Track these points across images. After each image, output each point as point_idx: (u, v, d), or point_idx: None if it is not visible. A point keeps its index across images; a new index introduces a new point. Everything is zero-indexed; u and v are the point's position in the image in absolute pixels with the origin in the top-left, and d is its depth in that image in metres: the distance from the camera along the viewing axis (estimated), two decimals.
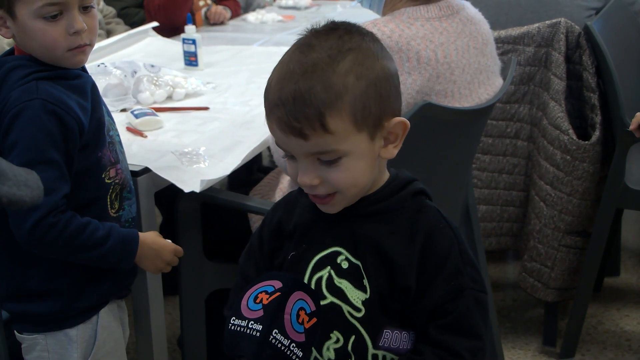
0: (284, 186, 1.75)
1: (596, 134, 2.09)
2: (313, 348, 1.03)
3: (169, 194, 1.63)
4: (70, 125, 1.27)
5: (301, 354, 0.93)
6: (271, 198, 1.78)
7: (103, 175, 1.36)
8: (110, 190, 1.38)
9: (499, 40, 2.12)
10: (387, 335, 1.01)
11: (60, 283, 1.36)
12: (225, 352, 0.96)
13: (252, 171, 2.81)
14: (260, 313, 0.93)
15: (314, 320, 0.96)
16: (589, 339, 2.31)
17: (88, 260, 1.34)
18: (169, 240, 1.47)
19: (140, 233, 1.40)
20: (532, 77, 2.20)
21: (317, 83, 0.93)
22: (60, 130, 1.26)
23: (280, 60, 0.98)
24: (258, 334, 0.92)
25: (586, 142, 2.09)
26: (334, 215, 1.03)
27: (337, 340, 1.02)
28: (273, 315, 0.93)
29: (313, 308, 0.96)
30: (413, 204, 1.03)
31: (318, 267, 1.04)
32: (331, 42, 0.96)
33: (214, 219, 1.79)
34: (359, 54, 0.96)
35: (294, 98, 0.93)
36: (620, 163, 2.05)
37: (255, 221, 1.74)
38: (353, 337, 1.01)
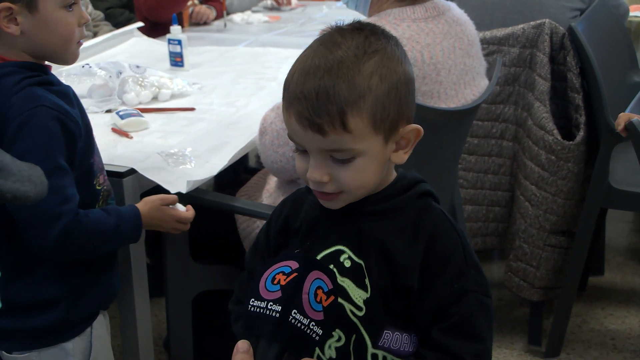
0: (270, 187, 1.75)
1: (580, 134, 2.11)
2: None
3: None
4: (73, 130, 1.27)
5: (321, 331, 0.93)
6: (258, 199, 1.78)
7: (94, 182, 1.35)
8: (100, 197, 1.38)
9: (484, 41, 2.13)
10: (387, 336, 1.00)
11: (57, 294, 1.34)
12: (242, 335, 0.96)
13: (238, 172, 2.80)
14: (279, 294, 0.92)
15: (332, 298, 0.95)
16: (574, 337, 2.32)
17: (111, 247, 1.38)
18: (172, 211, 1.49)
19: (137, 205, 1.42)
20: (517, 78, 2.21)
21: (342, 81, 0.93)
22: (65, 136, 1.26)
23: (302, 54, 0.98)
24: (277, 314, 0.91)
25: (570, 142, 2.10)
26: (339, 213, 1.03)
27: (339, 339, 1.02)
28: (291, 295, 0.92)
29: (330, 286, 0.95)
30: (418, 204, 1.03)
31: None
32: (357, 41, 0.96)
33: (200, 220, 1.78)
34: (384, 56, 0.96)
35: (317, 93, 0.92)
36: (604, 163, 2.07)
37: (242, 222, 1.74)
38: (354, 336, 1.01)
